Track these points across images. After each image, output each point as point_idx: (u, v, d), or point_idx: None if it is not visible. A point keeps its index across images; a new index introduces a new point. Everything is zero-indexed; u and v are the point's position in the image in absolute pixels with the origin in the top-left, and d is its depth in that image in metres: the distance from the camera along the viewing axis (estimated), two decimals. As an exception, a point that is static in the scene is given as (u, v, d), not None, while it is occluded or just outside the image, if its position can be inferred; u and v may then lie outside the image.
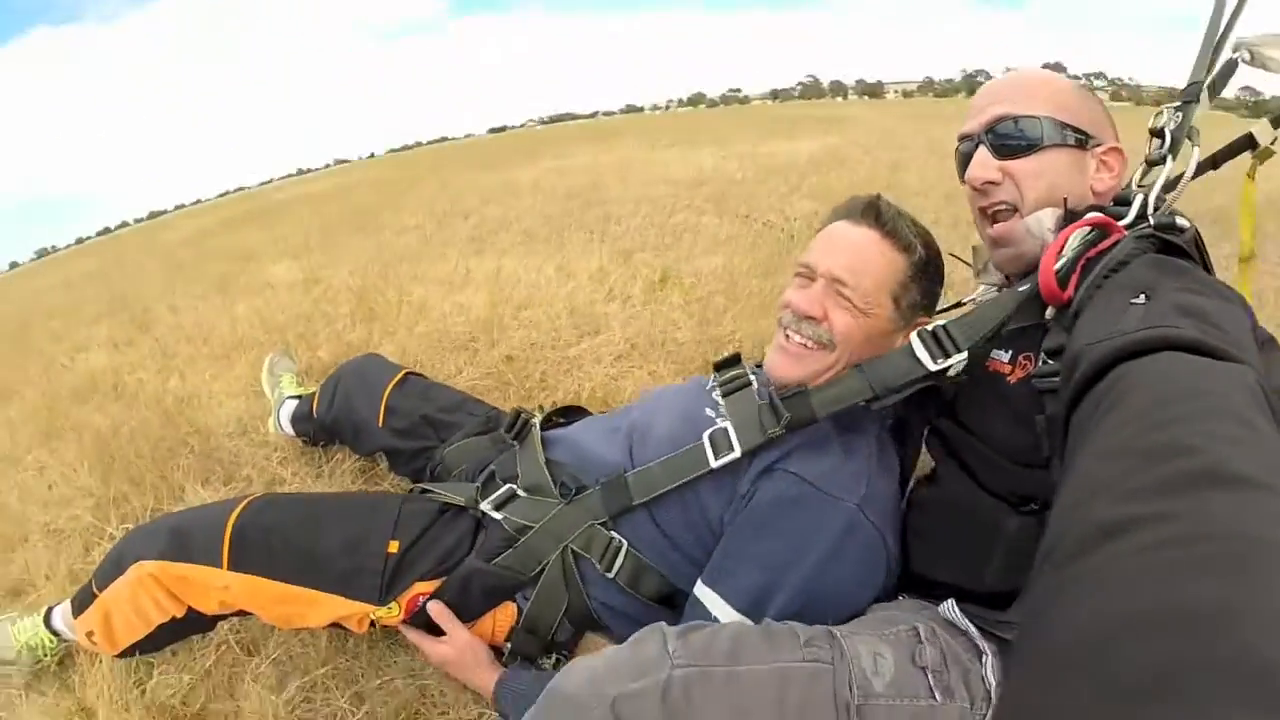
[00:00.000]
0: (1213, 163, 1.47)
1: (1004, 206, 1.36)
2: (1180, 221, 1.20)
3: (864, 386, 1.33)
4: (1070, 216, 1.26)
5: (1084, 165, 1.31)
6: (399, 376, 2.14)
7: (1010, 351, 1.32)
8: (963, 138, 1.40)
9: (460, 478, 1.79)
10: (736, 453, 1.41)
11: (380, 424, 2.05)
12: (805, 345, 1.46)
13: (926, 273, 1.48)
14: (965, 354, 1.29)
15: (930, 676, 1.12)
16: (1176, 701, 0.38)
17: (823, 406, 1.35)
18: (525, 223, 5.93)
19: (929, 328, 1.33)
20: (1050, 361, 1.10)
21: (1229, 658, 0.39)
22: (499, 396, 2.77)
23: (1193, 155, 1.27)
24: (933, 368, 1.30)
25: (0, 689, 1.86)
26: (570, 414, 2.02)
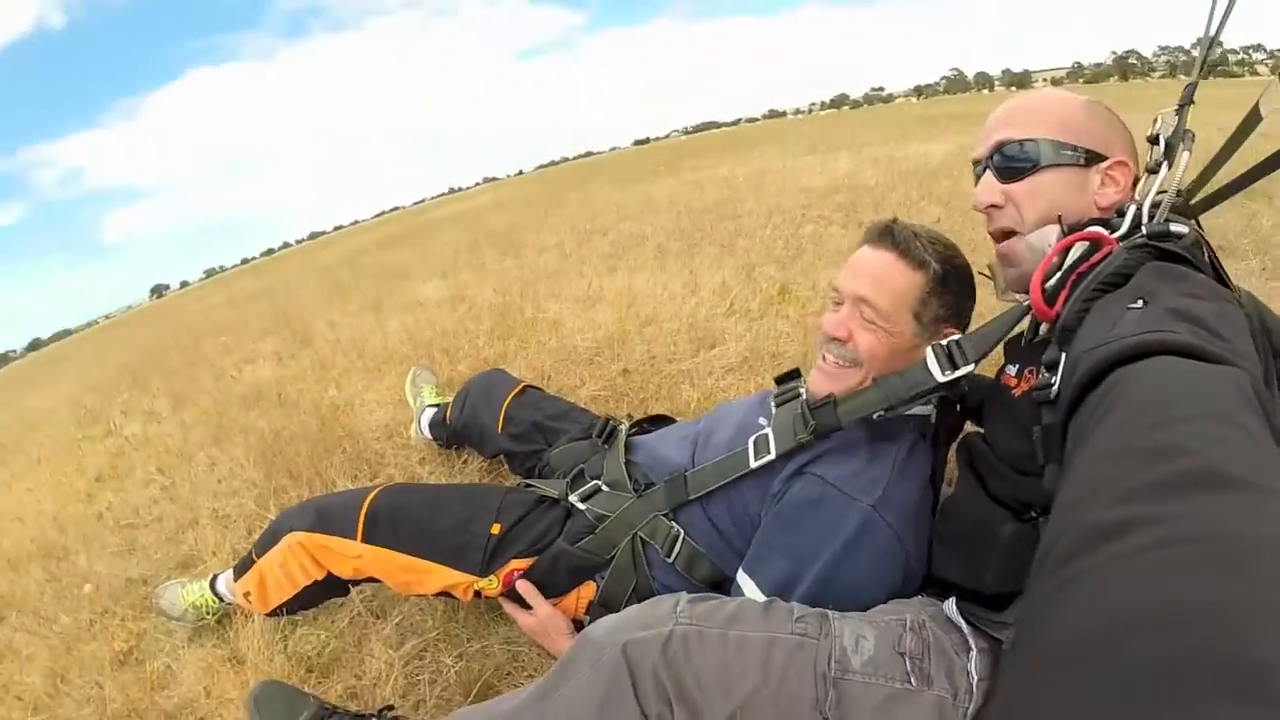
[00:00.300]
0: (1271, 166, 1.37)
1: (1007, 229, 1.40)
2: (1176, 227, 1.17)
3: (880, 397, 1.45)
4: (1070, 232, 1.27)
5: (1085, 183, 1.32)
6: (518, 389, 2.45)
7: (1018, 366, 1.39)
8: (975, 163, 1.44)
9: (561, 476, 2.02)
10: (772, 455, 1.58)
11: (500, 430, 2.36)
12: (838, 364, 1.60)
13: (946, 286, 1.55)
14: (973, 365, 1.38)
15: (908, 662, 1.20)
16: (1173, 701, 0.39)
17: (846, 415, 1.49)
18: (659, 239, 6.10)
19: (943, 342, 1.43)
20: (1046, 374, 1.10)
21: (1225, 657, 0.39)
22: (613, 407, 3.00)
23: (1184, 160, 1.25)
24: (941, 379, 1.40)
25: (167, 641, 2.26)
26: (658, 421, 2.24)
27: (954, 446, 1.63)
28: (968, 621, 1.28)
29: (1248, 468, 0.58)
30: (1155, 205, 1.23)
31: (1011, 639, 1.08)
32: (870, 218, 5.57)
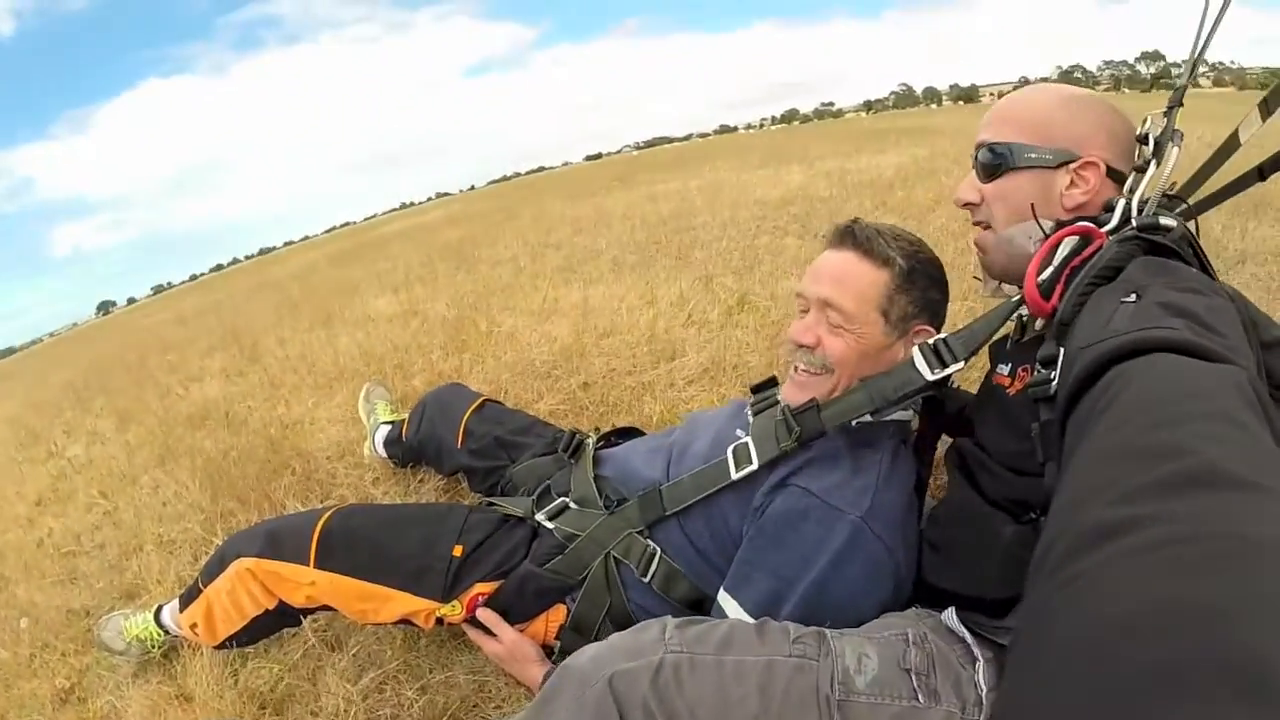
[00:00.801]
0: (1259, 173, 1.47)
1: (981, 223, 1.47)
2: (1166, 221, 1.22)
3: (866, 399, 1.42)
4: (1058, 227, 1.30)
5: (1051, 183, 1.35)
6: (477, 403, 2.37)
7: (1011, 365, 1.39)
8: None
9: (525, 493, 1.96)
10: (754, 465, 1.52)
11: (459, 445, 2.28)
12: (809, 372, 1.55)
13: (913, 281, 1.53)
14: (962, 363, 1.37)
15: (915, 679, 1.17)
16: (1175, 701, 0.39)
17: (831, 420, 1.45)
18: (613, 252, 6.06)
19: (929, 341, 1.41)
20: (1043, 371, 1.12)
21: (1224, 656, 0.40)
22: (573, 421, 2.93)
23: (1173, 156, 1.28)
24: (931, 377, 1.38)
25: (111, 677, 2.14)
26: (625, 434, 2.18)
27: (941, 451, 1.63)
28: (970, 631, 1.26)
29: (1247, 467, 0.58)
30: (1144, 201, 1.27)
31: (1011, 639, 1.06)
32: (824, 230, 5.58)
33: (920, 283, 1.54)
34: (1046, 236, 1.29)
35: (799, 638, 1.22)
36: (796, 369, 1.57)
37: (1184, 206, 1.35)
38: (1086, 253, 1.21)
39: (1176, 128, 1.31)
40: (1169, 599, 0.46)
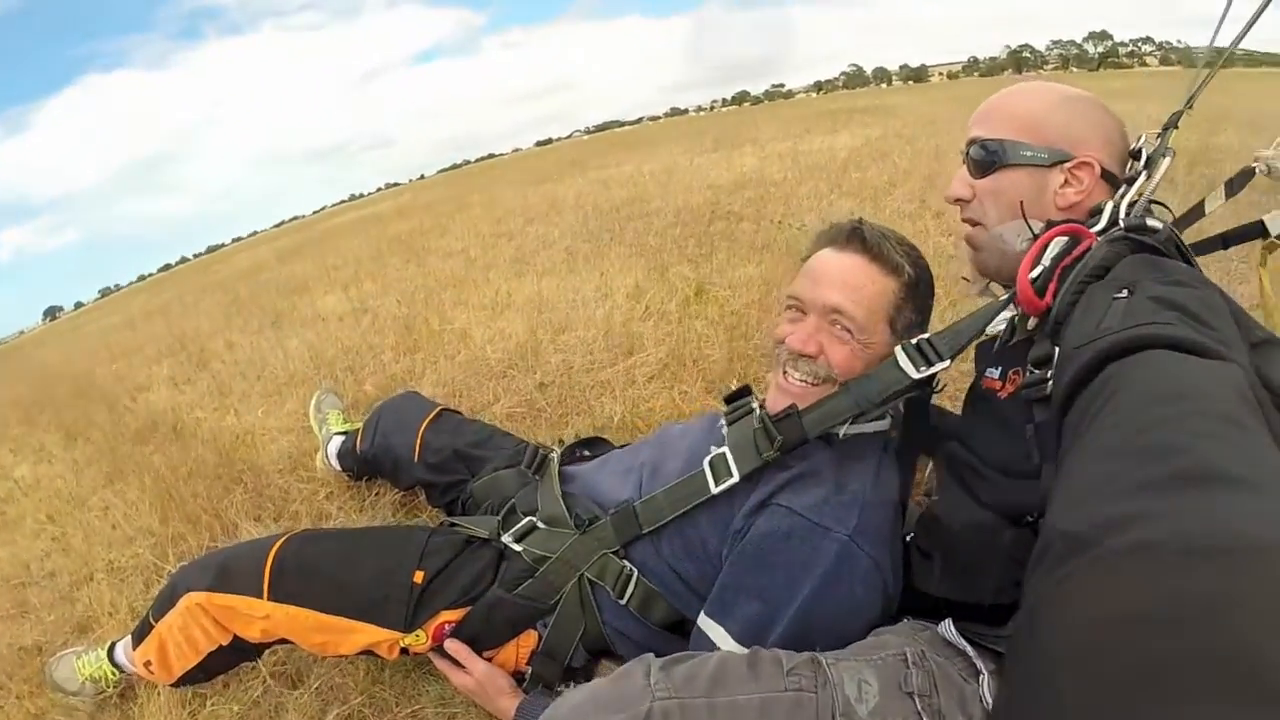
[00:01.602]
0: (1222, 242, 1.50)
1: (973, 219, 1.43)
2: (1152, 223, 1.22)
3: (850, 403, 1.37)
4: (1047, 226, 1.29)
5: (1046, 183, 1.34)
6: (434, 413, 2.26)
7: (1001, 368, 1.35)
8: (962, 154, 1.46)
9: (488, 510, 1.88)
10: (735, 477, 1.45)
11: (416, 459, 2.17)
12: (806, 382, 1.47)
13: (918, 291, 1.48)
14: (948, 362, 1.33)
15: (918, 701, 1.12)
16: (1169, 698, 0.39)
17: (813, 426, 1.38)
18: (566, 241, 5.99)
19: (913, 340, 1.36)
20: (1036, 371, 1.11)
21: (1224, 656, 0.40)
22: (531, 425, 2.85)
23: (1164, 164, 1.30)
24: (916, 375, 1.33)
25: None
26: (592, 445, 2.09)
27: (928, 459, 1.60)
28: (971, 642, 1.23)
29: (1243, 465, 0.58)
30: (1132, 204, 1.27)
31: (1008, 640, 1.02)
32: (782, 212, 5.55)
33: (923, 291, 1.50)
34: (1036, 236, 1.28)
35: (793, 668, 1.15)
36: (789, 376, 1.49)
37: (1168, 213, 1.35)
38: (1077, 252, 1.19)
39: (1169, 146, 1.34)
40: (1168, 598, 0.45)
